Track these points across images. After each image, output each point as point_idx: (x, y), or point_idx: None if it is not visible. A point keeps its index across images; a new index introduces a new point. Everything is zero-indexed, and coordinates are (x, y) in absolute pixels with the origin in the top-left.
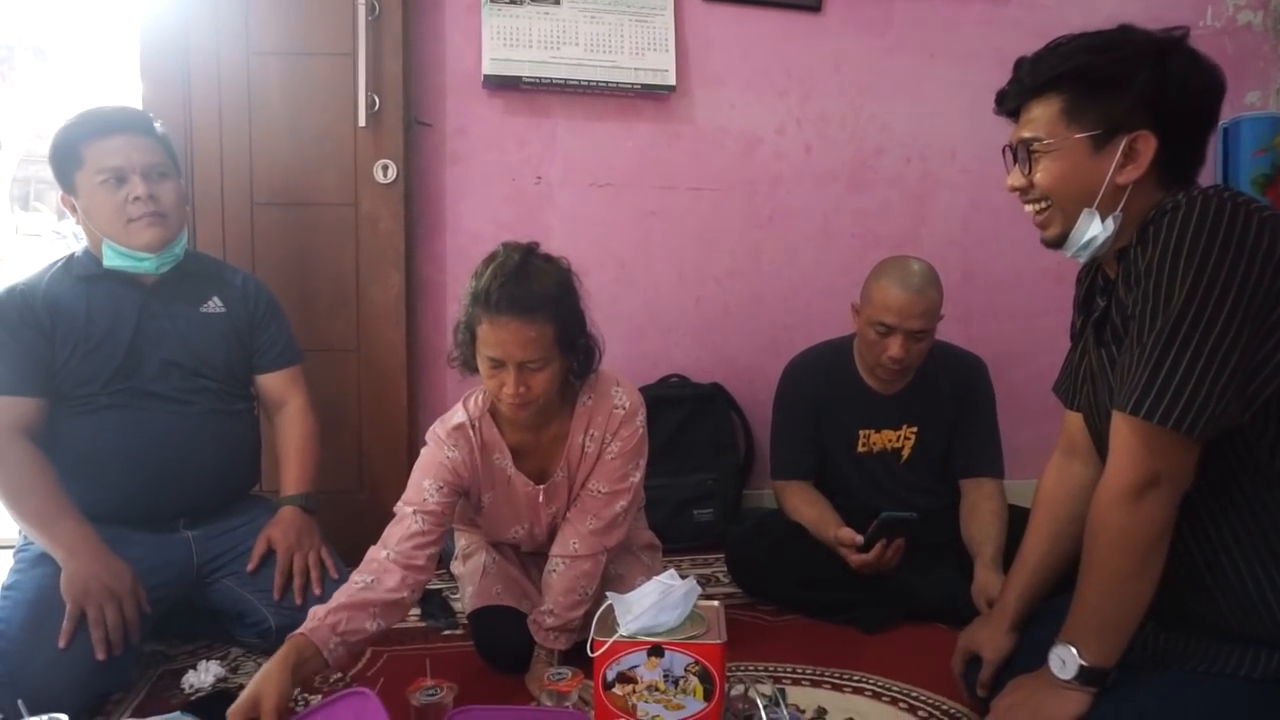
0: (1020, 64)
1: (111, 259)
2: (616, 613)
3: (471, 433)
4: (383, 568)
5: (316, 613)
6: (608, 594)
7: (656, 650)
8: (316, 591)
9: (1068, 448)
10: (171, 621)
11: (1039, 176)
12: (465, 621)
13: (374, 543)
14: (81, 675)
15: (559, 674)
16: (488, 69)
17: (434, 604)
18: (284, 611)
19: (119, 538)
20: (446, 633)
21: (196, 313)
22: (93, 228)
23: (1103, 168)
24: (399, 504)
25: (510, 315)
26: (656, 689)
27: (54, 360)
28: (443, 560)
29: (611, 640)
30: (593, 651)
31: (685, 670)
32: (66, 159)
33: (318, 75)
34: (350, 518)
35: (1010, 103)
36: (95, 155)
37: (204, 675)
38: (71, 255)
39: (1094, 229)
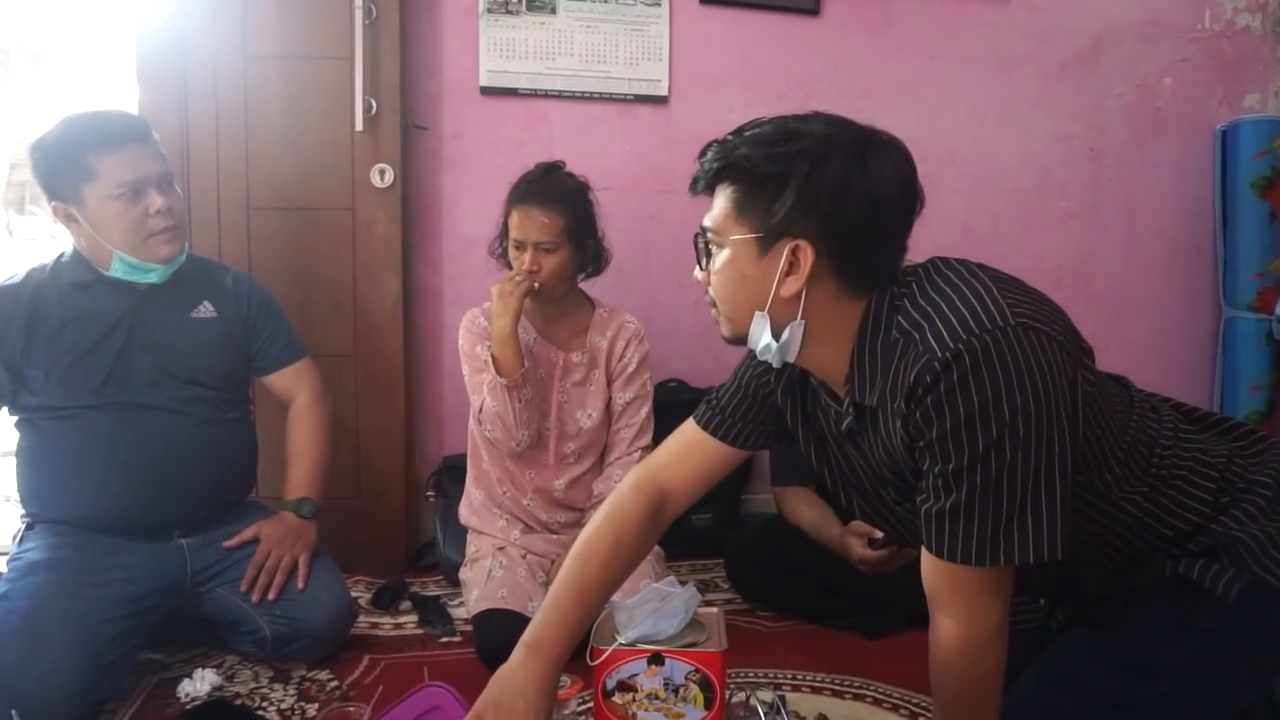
0: (705, 148)
1: (121, 270)
2: (615, 620)
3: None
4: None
5: None
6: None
7: (656, 658)
8: (272, 597)
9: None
10: (166, 630)
11: (713, 275)
12: (464, 629)
13: (371, 550)
14: (76, 685)
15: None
16: (484, 80)
17: (432, 610)
18: (279, 621)
19: (111, 546)
20: (444, 640)
21: (189, 319)
22: (102, 240)
23: (768, 274)
24: (473, 397)
25: (531, 204)
26: (657, 697)
27: (20, 369)
28: (443, 568)
29: (611, 648)
30: (592, 660)
31: (686, 678)
32: (73, 169)
33: (315, 79)
34: (348, 524)
35: (698, 188)
36: (110, 168)
37: (200, 684)
38: (60, 258)
39: (766, 337)
